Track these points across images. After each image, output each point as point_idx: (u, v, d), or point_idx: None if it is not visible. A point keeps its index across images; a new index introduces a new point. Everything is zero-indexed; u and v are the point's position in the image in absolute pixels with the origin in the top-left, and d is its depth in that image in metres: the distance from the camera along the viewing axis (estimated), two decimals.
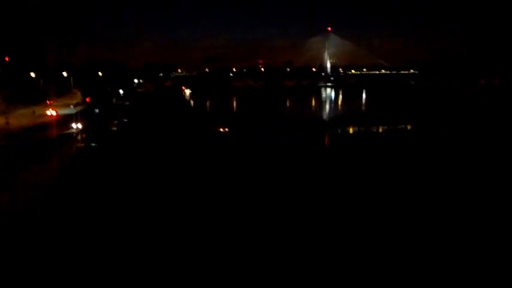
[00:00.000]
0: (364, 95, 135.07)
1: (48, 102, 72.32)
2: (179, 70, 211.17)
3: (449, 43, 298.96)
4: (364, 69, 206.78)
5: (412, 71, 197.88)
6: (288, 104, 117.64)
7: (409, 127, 62.18)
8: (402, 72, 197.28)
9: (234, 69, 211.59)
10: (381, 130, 60.04)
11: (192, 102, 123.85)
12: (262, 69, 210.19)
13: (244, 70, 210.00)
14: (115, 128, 59.01)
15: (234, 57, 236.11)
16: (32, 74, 74.27)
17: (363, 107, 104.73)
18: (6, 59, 73.58)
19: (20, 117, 56.78)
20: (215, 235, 20.93)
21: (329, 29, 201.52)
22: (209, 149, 44.44)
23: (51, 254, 18.88)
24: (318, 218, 23.75)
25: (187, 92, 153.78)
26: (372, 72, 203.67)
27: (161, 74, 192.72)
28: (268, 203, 25.99)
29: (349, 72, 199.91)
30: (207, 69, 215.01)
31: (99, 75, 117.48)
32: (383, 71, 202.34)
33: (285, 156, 40.88)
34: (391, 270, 17.65)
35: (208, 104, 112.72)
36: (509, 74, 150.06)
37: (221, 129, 58.98)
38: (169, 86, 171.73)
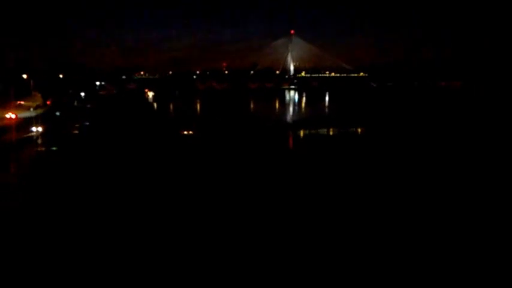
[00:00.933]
0: (326, 98, 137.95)
1: (18, 102, 70.67)
2: (142, 72, 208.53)
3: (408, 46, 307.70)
4: (327, 72, 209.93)
5: (362, 74, 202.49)
6: (252, 106, 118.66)
7: (368, 128, 64.08)
8: (353, 75, 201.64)
9: (198, 72, 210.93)
10: (341, 131, 61.52)
11: (155, 105, 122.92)
12: (226, 71, 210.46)
13: (208, 73, 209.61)
14: (76, 132, 58.12)
15: (197, 59, 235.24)
16: None
17: (326, 109, 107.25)
18: None
19: None
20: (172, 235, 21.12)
21: (292, 31, 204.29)
22: (173, 151, 44.45)
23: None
24: (276, 214, 24.45)
25: (151, 94, 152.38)
26: (322, 75, 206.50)
27: (124, 77, 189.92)
28: (230, 202, 26.40)
29: (299, 75, 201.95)
30: (170, 72, 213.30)
31: (60, 77, 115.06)
32: (331, 73, 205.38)
33: (249, 157, 41.40)
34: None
35: (172, 106, 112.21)
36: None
37: (185, 132, 58.96)
38: (133, 88, 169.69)
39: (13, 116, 57.73)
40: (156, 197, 27.59)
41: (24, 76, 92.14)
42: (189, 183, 31.36)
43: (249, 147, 47.38)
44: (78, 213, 24.32)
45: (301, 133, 61.52)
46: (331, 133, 61.91)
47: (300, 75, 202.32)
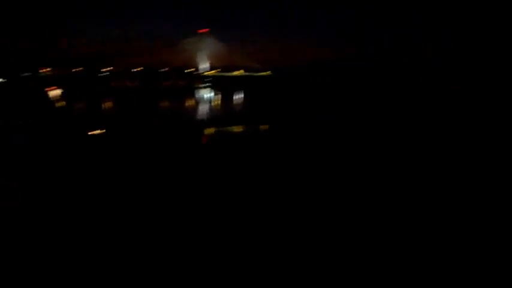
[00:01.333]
0: (239, 96, 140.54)
1: None
2: (47, 69, 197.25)
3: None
4: (238, 71, 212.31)
5: (267, 72, 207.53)
6: (164, 104, 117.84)
7: (274, 124, 67.27)
8: (260, 73, 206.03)
9: (109, 69, 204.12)
10: (249, 128, 63.97)
11: (61, 103, 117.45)
12: (139, 69, 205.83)
13: (120, 70, 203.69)
14: None
15: (108, 56, 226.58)
16: None
17: (238, 107, 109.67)
18: None
19: None
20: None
21: (205, 30, 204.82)
22: (81, 151, 43.65)
23: None
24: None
25: (57, 92, 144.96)
26: (233, 74, 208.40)
27: (26, 74, 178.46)
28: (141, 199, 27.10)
29: (211, 74, 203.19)
30: (79, 68, 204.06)
31: None
32: (241, 72, 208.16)
33: (162, 155, 41.97)
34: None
35: (80, 105, 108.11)
36: None
37: (92, 132, 57.62)
38: (36, 86, 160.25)
39: None
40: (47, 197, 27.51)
41: None
42: (90, 184, 31.41)
43: (160, 144, 47.94)
44: None
45: (212, 130, 62.89)
46: (239, 130, 63.99)
47: (212, 74, 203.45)
